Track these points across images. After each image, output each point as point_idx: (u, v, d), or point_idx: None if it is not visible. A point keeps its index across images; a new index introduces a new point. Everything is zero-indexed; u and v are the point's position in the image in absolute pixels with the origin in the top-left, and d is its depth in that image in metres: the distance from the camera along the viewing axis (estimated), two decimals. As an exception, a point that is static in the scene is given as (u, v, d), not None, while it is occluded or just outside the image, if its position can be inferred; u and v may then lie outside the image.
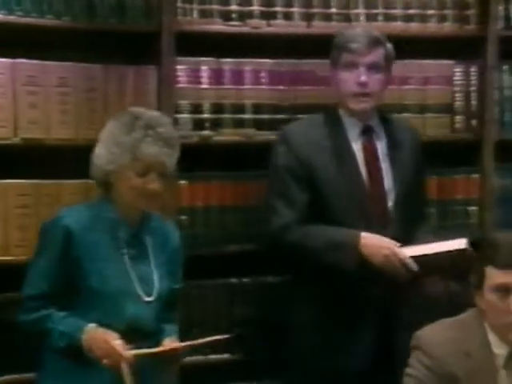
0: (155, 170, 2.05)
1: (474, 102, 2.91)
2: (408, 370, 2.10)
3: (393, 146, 2.52)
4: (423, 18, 2.85)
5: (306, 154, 2.45)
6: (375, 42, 2.43)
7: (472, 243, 2.35)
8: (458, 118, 2.92)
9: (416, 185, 2.55)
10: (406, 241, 2.41)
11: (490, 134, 2.90)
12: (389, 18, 2.83)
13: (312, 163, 2.44)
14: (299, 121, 2.60)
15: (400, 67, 2.75)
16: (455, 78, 2.90)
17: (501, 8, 2.89)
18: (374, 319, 2.46)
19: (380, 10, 2.82)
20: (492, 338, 2.06)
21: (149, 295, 2.11)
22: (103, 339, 1.97)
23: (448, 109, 2.90)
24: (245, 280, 2.71)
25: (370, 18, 2.82)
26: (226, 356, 2.67)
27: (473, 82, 2.91)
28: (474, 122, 2.92)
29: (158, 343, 2.07)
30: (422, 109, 2.88)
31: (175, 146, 2.10)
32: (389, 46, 2.47)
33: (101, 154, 2.07)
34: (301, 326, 2.52)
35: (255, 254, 2.70)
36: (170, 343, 2.07)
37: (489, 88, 2.89)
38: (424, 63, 2.86)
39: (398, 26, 2.83)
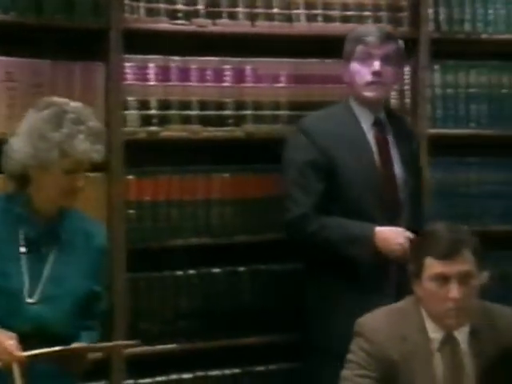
0: (84, 167, 1.97)
1: (407, 100, 2.98)
2: (349, 356, 2.15)
3: (399, 139, 2.63)
4: (360, 20, 2.91)
5: (325, 144, 2.54)
6: (388, 37, 2.57)
7: None
8: None
9: (417, 179, 2.68)
10: (415, 231, 2.47)
11: (423, 129, 2.96)
12: (328, 18, 2.88)
13: (332, 153, 2.53)
14: (315, 113, 2.67)
15: (338, 66, 2.81)
16: None
17: (431, 11, 2.98)
18: (390, 293, 2.51)
19: (319, 11, 2.87)
20: (428, 323, 2.12)
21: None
22: None
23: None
24: (190, 272, 2.72)
25: (310, 18, 2.87)
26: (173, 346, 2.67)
27: (406, 81, 2.97)
28: (408, 119, 2.96)
29: None
30: None
31: (103, 140, 2.01)
32: (400, 43, 2.61)
33: (21, 148, 1.94)
34: (317, 309, 2.60)
35: (200, 247, 2.74)
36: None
37: (421, 86, 2.96)
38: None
39: (336, 27, 2.89)
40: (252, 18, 2.76)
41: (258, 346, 2.77)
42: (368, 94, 2.54)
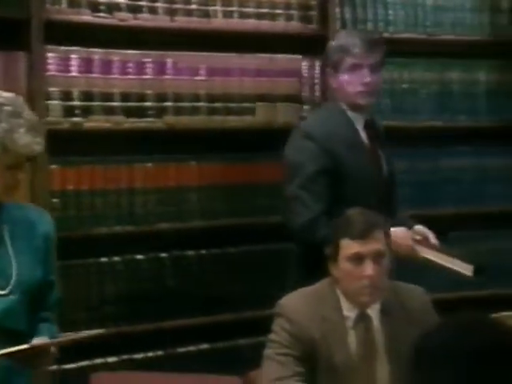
0: (25, 161, 1.89)
1: (317, 93, 3.05)
2: (271, 336, 2.19)
3: (381, 138, 2.67)
4: (273, 17, 2.99)
5: (331, 147, 2.52)
6: (375, 45, 2.56)
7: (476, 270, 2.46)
8: (305, 106, 3.04)
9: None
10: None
11: None
12: (243, 15, 2.94)
13: (335, 151, 2.52)
14: (313, 116, 2.77)
15: (253, 60, 2.89)
16: (302, 71, 3.03)
17: (338, 11, 3.07)
18: None
19: (235, 8, 2.93)
20: (343, 302, 2.18)
21: (2, 288, 1.86)
22: None
23: (296, 98, 3.03)
24: (115, 259, 2.73)
25: (227, 14, 2.92)
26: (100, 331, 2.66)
27: (316, 75, 3.05)
28: None
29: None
30: (274, 98, 2.99)
31: (42, 132, 1.92)
32: (384, 45, 2.60)
33: None
34: None
35: (124, 235, 2.74)
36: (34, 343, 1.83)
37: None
38: (274, 57, 3.00)
39: (251, 23, 2.95)
40: (171, 13, 2.79)
41: (182, 328, 2.80)
42: (361, 102, 2.55)
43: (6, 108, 1.85)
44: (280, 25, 3.01)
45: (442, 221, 3.17)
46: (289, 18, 3.02)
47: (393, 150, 3.12)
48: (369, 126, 2.63)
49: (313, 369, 2.15)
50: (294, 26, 3.03)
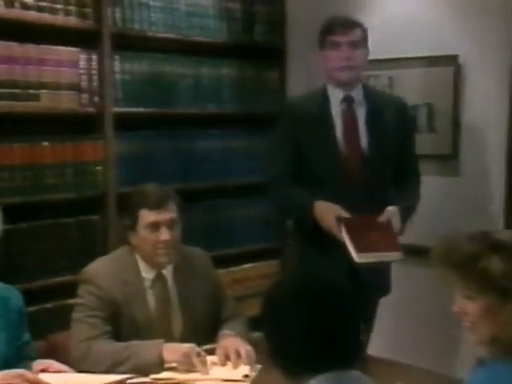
0: None
1: (95, 83, 3.09)
2: (78, 301, 2.27)
3: (372, 115, 2.64)
4: (52, 11, 2.97)
5: (299, 121, 2.66)
6: (353, 24, 2.64)
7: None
8: (84, 95, 3.07)
9: (398, 150, 2.64)
10: (382, 201, 2.54)
11: (109, 108, 3.11)
12: (24, 6, 2.89)
13: (303, 129, 2.64)
14: (301, 95, 2.90)
15: (37, 50, 2.85)
16: (80, 62, 3.06)
17: (111, 10, 3.15)
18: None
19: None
20: (142, 266, 2.32)
21: None
22: None
23: (76, 87, 3.04)
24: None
25: (8, 4, 2.84)
26: None
27: (94, 67, 3.09)
28: (96, 99, 3.09)
29: None
30: (57, 86, 2.99)
31: None
32: (364, 27, 2.67)
33: None
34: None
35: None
36: None
37: (106, 72, 3.10)
38: (57, 49, 3.00)
39: (32, 15, 2.91)
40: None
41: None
42: (341, 77, 2.61)
43: None
44: (60, 19, 3.00)
45: (200, 192, 3.47)
46: (67, 12, 3.03)
47: (158, 133, 3.34)
48: (348, 100, 2.64)
49: (118, 326, 2.25)
50: (73, 20, 3.05)
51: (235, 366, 2.12)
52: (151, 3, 3.30)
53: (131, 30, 3.22)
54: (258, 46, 3.74)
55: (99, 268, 2.31)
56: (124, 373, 2.07)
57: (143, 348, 2.14)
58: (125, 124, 3.15)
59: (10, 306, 2.06)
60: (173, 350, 2.12)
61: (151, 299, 2.30)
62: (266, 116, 3.71)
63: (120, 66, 3.19)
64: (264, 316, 1.49)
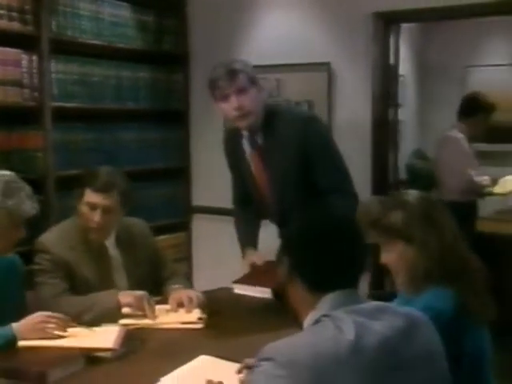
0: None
1: (35, 81, 3.28)
2: (37, 267, 2.34)
3: (269, 148, 2.57)
4: (-1, 16, 3.16)
5: (232, 153, 2.71)
6: (235, 72, 2.47)
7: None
8: (26, 90, 3.24)
9: (307, 168, 2.51)
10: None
11: (48, 103, 3.30)
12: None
13: (235, 159, 2.71)
14: (228, 129, 2.81)
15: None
16: (23, 62, 3.23)
17: (49, 19, 3.30)
18: None
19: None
20: (86, 235, 2.37)
21: None
22: None
23: (19, 84, 3.21)
24: None
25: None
26: None
27: (34, 66, 3.27)
28: (36, 94, 3.27)
29: None
30: (3, 83, 3.14)
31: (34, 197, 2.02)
32: (248, 69, 2.53)
33: None
34: None
35: None
36: None
37: (45, 71, 3.30)
38: (3, 50, 3.15)
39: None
40: None
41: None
42: (240, 125, 2.55)
43: (13, 185, 1.99)
44: (3, 24, 3.15)
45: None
46: (10, 18, 3.19)
47: (87, 125, 3.51)
48: (253, 141, 2.59)
49: (73, 285, 2.35)
50: (16, 25, 3.21)
51: (189, 311, 2.25)
52: (81, 12, 3.53)
53: (65, 36, 3.44)
54: (166, 53, 4.08)
55: (49, 237, 2.38)
56: (90, 321, 2.13)
57: (103, 296, 2.27)
58: (61, 116, 3.34)
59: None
60: (127, 294, 2.26)
61: (96, 262, 2.38)
62: (174, 112, 4.08)
63: (56, 67, 3.38)
64: (283, 256, 1.48)
